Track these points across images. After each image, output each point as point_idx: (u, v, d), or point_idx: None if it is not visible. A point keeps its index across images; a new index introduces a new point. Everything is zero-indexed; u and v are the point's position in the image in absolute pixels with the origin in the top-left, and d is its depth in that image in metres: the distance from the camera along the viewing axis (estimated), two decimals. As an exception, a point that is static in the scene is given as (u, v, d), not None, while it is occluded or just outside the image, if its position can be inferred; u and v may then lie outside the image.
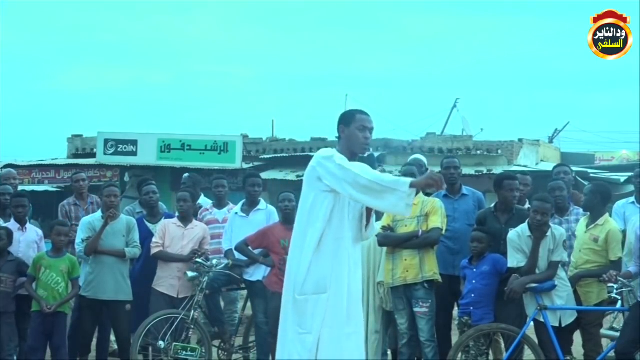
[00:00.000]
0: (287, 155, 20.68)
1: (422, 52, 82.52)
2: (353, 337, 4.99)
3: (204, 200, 9.22)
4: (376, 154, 5.14)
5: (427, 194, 7.51)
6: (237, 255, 7.94)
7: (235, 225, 8.20)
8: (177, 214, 8.32)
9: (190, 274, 7.75)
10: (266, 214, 8.20)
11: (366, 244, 7.23)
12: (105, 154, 20.23)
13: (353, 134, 5.03)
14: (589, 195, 7.22)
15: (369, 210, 5.08)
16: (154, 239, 7.94)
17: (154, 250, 7.90)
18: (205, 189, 9.81)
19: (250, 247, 7.82)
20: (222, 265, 7.89)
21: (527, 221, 6.86)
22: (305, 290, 4.89)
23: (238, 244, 7.90)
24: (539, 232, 6.73)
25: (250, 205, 8.29)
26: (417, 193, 4.87)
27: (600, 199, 7.21)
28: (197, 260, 7.79)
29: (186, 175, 9.85)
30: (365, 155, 5.16)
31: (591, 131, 40.82)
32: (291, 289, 4.95)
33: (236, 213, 8.30)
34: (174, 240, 7.94)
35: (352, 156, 5.05)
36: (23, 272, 7.56)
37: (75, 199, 9.06)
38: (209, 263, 7.82)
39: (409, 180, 4.78)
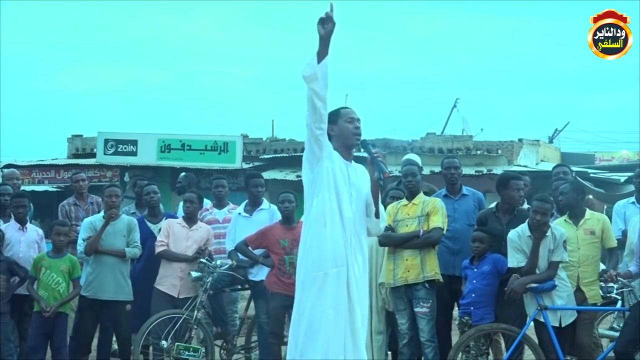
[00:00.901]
0: (287, 155, 20.69)
1: (422, 52, 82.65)
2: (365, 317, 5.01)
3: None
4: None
5: (427, 194, 7.53)
6: (240, 255, 7.95)
7: (238, 225, 8.19)
8: (182, 214, 8.31)
9: (194, 274, 7.75)
10: (269, 214, 8.20)
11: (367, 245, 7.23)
12: (105, 154, 20.22)
13: (343, 127, 5.06)
14: (571, 193, 7.17)
15: (375, 198, 5.07)
16: (159, 238, 7.95)
17: (158, 249, 7.90)
18: (205, 189, 9.81)
19: (250, 247, 7.82)
20: (226, 266, 7.89)
21: (527, 221, 6.87)
22: (326, 265, 4.86)
23: (238, 244, 7.90)
24: (538, 232, 6.73)
25: (253, 205, 8.30)
26: (323, 48, 4.86)
27: (582, 196, 7.26)
28: (201, 260, 7.80)
29: (182, 174, 9.85)
30: (359, 144, 5.17)
31: (591, 131, 40.91)
32: (310, 268, 4.87)
33: (239, 213, 8.29)
34: (177, 240, 7.94)
35: (348, 150, 5.09)
36: (14, 271, 7.55)
37: (75, 199, 9.07)
38: (213, 263, 7.82)
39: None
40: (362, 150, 5.20)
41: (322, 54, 4.86)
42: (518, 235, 6.86)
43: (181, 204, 8.48)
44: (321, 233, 4.89)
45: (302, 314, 4.88)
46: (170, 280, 7.88)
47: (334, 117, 5.10)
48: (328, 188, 4.93)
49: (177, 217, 8.37)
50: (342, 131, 5.06)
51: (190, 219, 8.09)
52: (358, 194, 5.05)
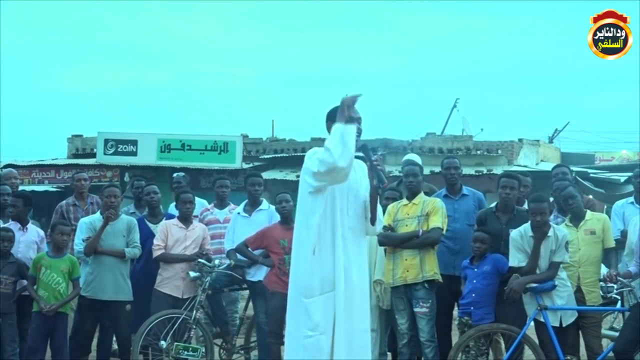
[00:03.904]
0: (287, 155, 20.70)
1: (422, 52, 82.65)
2: (363, 334, 5.02)
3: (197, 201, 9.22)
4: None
5: (427, 194, 7.53)
6: (239, 255, 7.95)
7: (237, 225, 8.20)
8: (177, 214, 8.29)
9: (192, 274, 7.75)
10: (268, 214, 8.20)
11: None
12: (105, 154, 20.23)
13: None
14: (579, 196, 7.19)
15: (373, 204, 5.07)
16: (155, 242, 7.92)
17: (156, 253, 7.89)
18: (206, 189, 9.79)
19: (249, 248, 7.83)
20: (225, 266, 7.89)
21: (529, 221, 6.87)
22: (312, 292, 4.89)
23: (237, 246, 7.91)
24: (539, 232, 6.73)
25: (253, 205, 8.30)
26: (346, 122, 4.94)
27: (581, 198, 7.27)
28: (200, 260, 7.80)
29: (181, 174, 9.81)
30: (358, 145, 5.16)
31: (591, 131, 40.86)
32: (298, 292, 4.96)
33: (238, 213, 8.30)
34: (177, 241, 7.94)
35: None
36: (23, 273, 7.56)
37: (75, 199, 9.05)
38: (211, 263, 7.82)
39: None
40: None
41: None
42: (520, 235, 6.87)
43: (172, 204, 8.46)
44: (308, 261, 4.94)
45: (290, 333, 4.99)
46: (173, 282, 7.88)
47: (335, 114, 5.09)
48: (324, 213, 4.94)
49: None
50: None
51: (186, 219, 8.10)
52: (356, 197, 5.05)
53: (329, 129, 5.12)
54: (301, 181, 5.09)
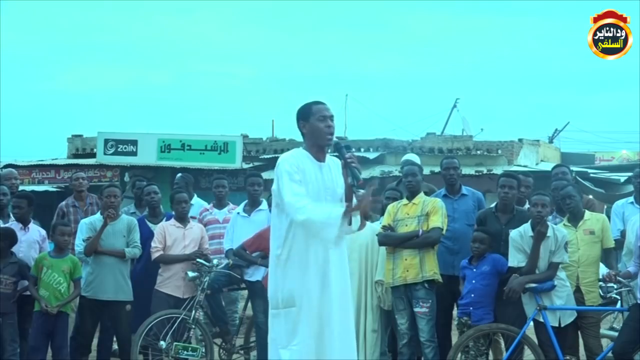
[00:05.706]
0: (287, 155, 20.65)
1: (422, 52, 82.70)
2: (336, 341, 4.92)
3: (197, 201, 9.23)
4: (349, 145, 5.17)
5: (427, 194, 7.53)
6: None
7: (237, 225, 8.22)
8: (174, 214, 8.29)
9: (191, 273, 7.76)
10: (267, 215, 8.18)
11: (363, 243, 7.26)
12: (105, 154, 20.21)
13: (314, 126, 4.95)
14: (577, 196, 7.19)
15: (349, 200, 5.03)
16: (153, 244, 7.92)
17: (154, 255, 7.89)
18: (206, 189, 9.80)
19: (247, 251, 7.83)
20: (223, 265, 7.90)
21: (529, 221, 6.88)
22: (277, 304, 4.90)
23: (236, 249, 7.92)
24: (537, 230, 6.72)
25: (252, 205, 8.31)
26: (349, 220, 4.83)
27: (580, 197, 7.28)
28: (198, 260, 7.80)
29: (179, 175, 9.86)
30: (332, 144, 5.06)
31: (591, 131, 40.80)
32: (269, 302, 5.00)
33: (238, 213, 8.31)
34: (176, 241, 7.95)
35: (319, 150, 5.01)
36: (24, 274, 7.57)
37: (74, 199, 9.06)
38: (209, 263, 7.83)
39: (340, 211, 4.76)
40: (330, 151, 5.14)
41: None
42: (520, 235, 6.88)
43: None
44: (274, 273, 4.96)
45: (271, 339, 4.96)
46: (174, 282, 7.88)
47: (306, 113, 5.00)
48: (284, 229, 4.94)
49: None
50: (314, 130, 4.96)
51: (183, 218, 8.10)
52: (333, 197, 4.98)
53: (301, 129, 5.02)
54: (272, 191, 5.05)
